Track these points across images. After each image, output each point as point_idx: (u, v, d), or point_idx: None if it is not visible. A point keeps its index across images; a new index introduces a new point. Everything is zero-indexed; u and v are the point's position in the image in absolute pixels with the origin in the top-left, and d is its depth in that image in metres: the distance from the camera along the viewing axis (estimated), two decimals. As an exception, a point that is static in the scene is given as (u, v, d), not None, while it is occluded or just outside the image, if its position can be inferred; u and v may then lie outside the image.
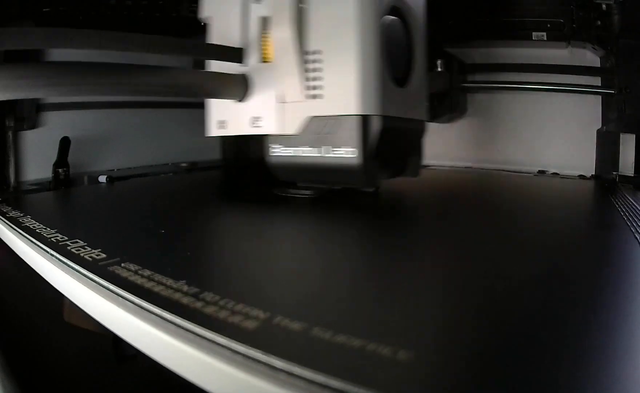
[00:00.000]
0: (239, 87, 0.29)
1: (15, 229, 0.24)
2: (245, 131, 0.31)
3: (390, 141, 0.29)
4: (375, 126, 0.27)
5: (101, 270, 0.17)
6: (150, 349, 0.13)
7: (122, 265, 0.18)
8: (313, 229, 0.26)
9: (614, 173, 0.49)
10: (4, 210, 0.30)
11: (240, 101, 0.30)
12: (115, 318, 0.15)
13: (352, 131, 0.27)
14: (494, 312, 0.15)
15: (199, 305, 0.14)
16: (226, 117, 0.32)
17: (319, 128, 0.28)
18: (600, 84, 0.56)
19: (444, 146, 0.68)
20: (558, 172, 0.57)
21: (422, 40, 0.33)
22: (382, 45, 0.27)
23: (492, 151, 0.64)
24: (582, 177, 0.54)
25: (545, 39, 0.57)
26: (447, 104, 0.59)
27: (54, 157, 0.42)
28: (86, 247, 0.20)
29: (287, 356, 0.11)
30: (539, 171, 0.58)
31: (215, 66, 0.31)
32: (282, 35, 0.27)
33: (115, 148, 0.55)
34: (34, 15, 0.45)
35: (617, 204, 0.34)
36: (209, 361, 0.11)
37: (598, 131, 0.57)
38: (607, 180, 0.50)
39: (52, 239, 0.22)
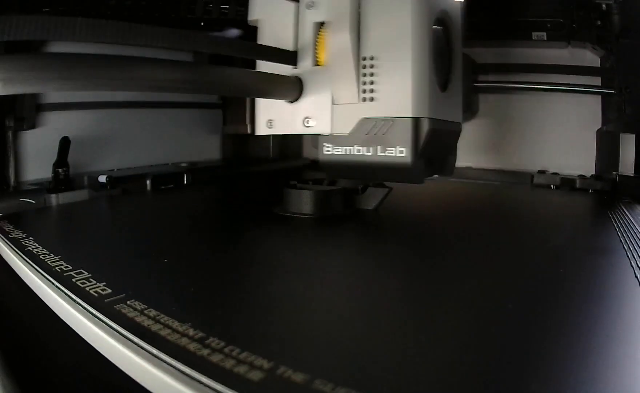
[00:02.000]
0: (293, 89, 0.31)
1: (18, 254, 0.25)
2: (295, 131, 0.32)
3: (435, 141, 0.30)
4: (425, 127, 0.29)
5: (108, 309, 0.17)
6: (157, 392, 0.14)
7: (128, 302, 0.18)
8: (316, 257, 0.27)
9: (614, 172, 0.49)
10: (6, 229, 0.30)
11: (291, 101, 0.32)
12: (122, 358, 0.15)
13: (405, 132, 0.28)
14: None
15: (205, 352, 0.14)
16: (275, 117, 0.33)
17: (370, 129, 0.29)
18: (600, 84, 0.56)
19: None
20: (558, 172, 0.57)
21: (460, 49, 0.35)
22: (432, 53, 0.29)
23: (492, 151, 0.64)
24: (582, 177, 0.54)
25: (545, 39, 0.57)
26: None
27: (54, 157, 0.42)
28: (91, 279, 0.20)
29: None
30: (539, 171, 0.58)
31: (264, 66, 0.32)
32: (339, 41, 0.29)
33: (115, 148, 0.55)
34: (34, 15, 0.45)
35: (615, 223, 0.34)
36: None
37: (598, 131, 0.57)
38: (605, 192, 0.50)
39: (56, 268, 0.22)
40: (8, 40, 0.19)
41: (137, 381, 0.14)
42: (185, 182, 0.52)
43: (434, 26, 0.30)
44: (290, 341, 0.16)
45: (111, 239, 0.30)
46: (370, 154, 0.29)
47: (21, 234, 0.29)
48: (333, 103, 0.30)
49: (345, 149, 0.30)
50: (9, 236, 0.29)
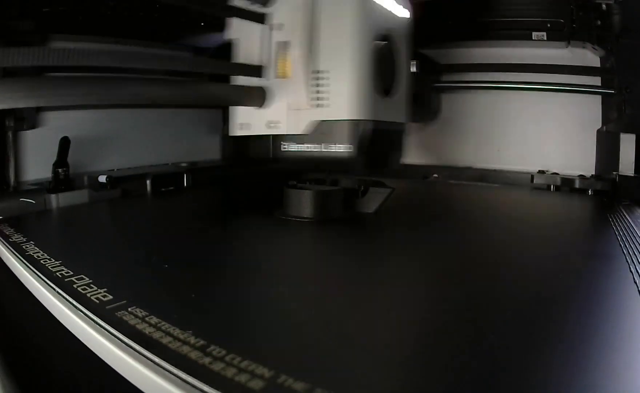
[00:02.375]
0: (259, 97, 0.36)
1: (19, 259, 0.25)
2: (263, 131, 0.37)
3: (377, 139, 0.35)
4: (365, 127, 0.34)
5: (109, 316, 0.17)
6: None
7: (129, 309, 0.18)
8: (318, 261, 0.27)
9: (614, 172, 0.49)
10: (7, 233, 0.30)
11: (259, 107, 0.37)
12: (124, 366, 0.15)
13: (346, 131, 0.34)
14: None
15: (206, 360, 0.14)
16: (247, 120, 0.38)
17: (319, 129, 0.35)
18: (600, 84, 0.56)
19: (444, 146, 0.68)
20: (558, 172, 0.57)
21: (405, 59, 0.40)
22: (372, 66, 0.35)
23: (493, 151, 0.64)
24: (582, 177, 0.54)
25: (545, 39, 0.57)
26: (419, 105, 0.62)
27: (54, 157, 0.42)
28: (92, 285, 0.20)
29: None
30: (539, 171, 0.58)
31: (237, 79, 0.38)
32: (296, 56, 0.34)
33: (115, 148, 0.55)
34: (34, 15, 0.45)
35: (615, 227, 0.34)
36: None
37: (598, 131, 0.57)
38: (605, 193, 0.50)
39: (57, 273, 0.22)
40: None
41: (139, 388, 0.14)
42: (185, 182, 0.52)
43: (379, 41, 0.36)
44: (291, 350, 0.16)
45: (111, 244, 0.30)
46: (319, 149, 0.35)
47: (21, 238, 0.29)
48: (290, 108, 0.36)
49: (300, 146, 0.36)
50: (10, 240, 0.29)
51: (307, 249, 0.31)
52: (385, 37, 0.37)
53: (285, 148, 0.37)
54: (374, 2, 0.35)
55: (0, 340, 0.23)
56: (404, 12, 0.39)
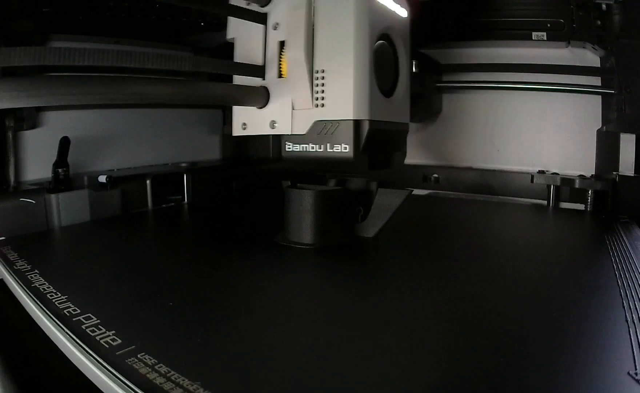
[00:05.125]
0: (261, 97, 0.36)
1: (27, 291, 0.25)
2: (264, 131, 0.37)
3: (377, 139, 0.35)
4: (365, 128, 0.34)
5: (120, 363, 0.18)
6: None
7: (139, 356, 0.18)
8: (323, 296, 0.27)
9: (614, 172, 0.49)
10: (10, 258, 0.30)
11: (260, 108, 0.37)
12: None
13: (348, 131, 0.34)
14: None
15: None
16: (248, 121, 0.38)
17: (321, 129, 0.35)
18: (600, 84, 0.56)
19: (444, 146, 0.68)
20: (558, 172, 0.57)
21: (406, 59, 0.39)
22: (373, 66, 0.34)
23: (493, 151, 0.64)
24: (582, 177, 0.54)
25: (545, 39, 0.57)
26: (421, 104, 0.62)
27: (54, 157, 0.42)
28: (100, 326, 0.21)
29: None
30: (539, 171, 0.58)
31: (238, 79, 0.38)
32: (297, 57, 0.34)
33: (115, 148, 0.55)
34: (34, 15, 0.45)
35: (611, 251, 0.33)
36: None
37: (598, 131, 0.57)
38: (604, 211, 0.49)
39: (65, 311, 0.22)
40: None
41: None
42: (185, 183, 0.52)
43: (380, 41, 0.36)
44: None
45: (114, 272, 0.30)
46: (322, 150, 0.35)
47: (26, 265, 0.29)
48: (293, 108, 0.35)
49: (302, 146, 0.36)
50: (14, 267, 0.29)
51: (309, 287, 0.29)
52: (385, 36, 0.37)
53: (289, 149, 0.36)
54: (375, 0, 0.35)
55: (4, 345, 0.23)
56: (402, 11, 0.39)
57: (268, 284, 0.29)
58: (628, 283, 0.27)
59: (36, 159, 0.47)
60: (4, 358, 0.22)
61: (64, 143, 0.43)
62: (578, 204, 0.55)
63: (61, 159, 0.42)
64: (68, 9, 0.47)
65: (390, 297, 0.27)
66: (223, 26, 0.40)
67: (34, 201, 0.39)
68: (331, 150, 0.34)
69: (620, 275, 0.28)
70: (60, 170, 0.42)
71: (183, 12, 0.55)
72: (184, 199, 0.52)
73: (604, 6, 0.52)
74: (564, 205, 0.57)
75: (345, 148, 0.34)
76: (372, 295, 0.27)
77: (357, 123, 0.34)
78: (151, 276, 0.30)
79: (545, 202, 0.57)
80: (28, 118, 0.46)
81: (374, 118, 0.34)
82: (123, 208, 0.46)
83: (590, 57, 0.57)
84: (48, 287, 0.25)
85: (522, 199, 0.60)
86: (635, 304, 0.23)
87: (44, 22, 0.45)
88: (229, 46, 0.39)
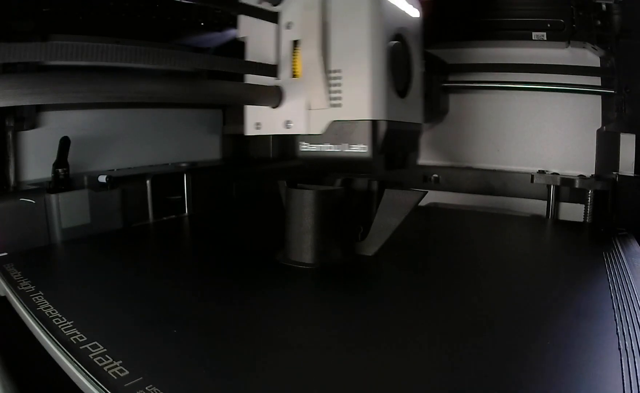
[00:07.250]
0: (275, 97, 0.36)
1: (32, 315, 0.25)
2: (278, 131, 0.37)
3: (393, 139, 0.35)
4: (382, 128, 0.34)
5: None
6: None
7: (147, 388, 0.18)
8: (326, 323, 0.27)
9: (614, 172, 0.49)
10: (14, 278, 0.30)
11: (274, 107, 0.36)
12: None
13: (365, 131, 0.34)
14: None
15: None
16: (261, 120, 0.38)
17: (338, 129, 0.34)
18: (600, 84, 0.56)
19: (444, 146, 0.68)
20: (558, 172, 0.57)
21: (418, 59, 0.39)
22: (388, 65, 0.34)
23: (493, 151, 0.64)
24: (582, 177, 0.54)
25: (545, 39, 0.57)
26: (428, 104, 0.62)
27: (54, 157, 0.42)
28: (107, 356, 0.21)
29: None
30: (539, 171, 0.58)
31: (250, 78, 0.37)
32: (311, 57, 0.34)
33: (115, 148, 0.55)
34: (34, 15, 0.45)
35: (608, 271, 0.33)
36: None
37: (598, 131, 0.57)
38: (604, 224, 0.49)
39: (72, 339, 0.22)
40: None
41: None
42: (185, 183, 0.52)
43: (393, 41, 0.35)
44: None
45: (119, 294, 0.30)
46: (338, 150, 0.35)
47: (30, 286, 0.29)
48: (308, 108, 0.35)
49: (319, 146, 0.35)
50: (18, 287, 0.29)
51: (313, 311, 0.29)
52: (398, 35, 0.37)
53: (305, 148, 0.36)
54: (389, 0, 0.35)
55: (4, 346, 0.23)
56: (415, 11, 0.39)
57: (272, 312, 0.28)
58: (623, 305, 0.26)
59: (36, 159, 0.47)
60: (4, 359, 0.22)
61: (64, 143, 0.43)
62: (578, 204, 0.55)
63: (61, 159, 0.42)
64: (68, 9, 0.47)
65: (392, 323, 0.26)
66: (223, 26, 0.40)
67: (34, 201, 0.39)
68: (349, 150, 0.34)
69: (616, 297, 0.27)
70: (60, 170, 0.42)
71: (183, 11, 0.55)
72: (184, 200, 0.52)
73: (604, 6, 0.52)
74: (564, 205, 0.57)
75: (364, 148, 0.34)
76: (375, 322, 0.27)
77: (374, 123, 0.33)
78: (155, 296, 0.29)
79: (545, 202, 0.57)
80: (28, 118, 0.46)
81: (391, 118, 0.34)
82: (123, 208, 0.46)
83: (590, 57, 0.57)
84: (53, 311, 0.25)
85: (522, 199, 0.60)
86: (629, 330, 0.23)
87: (44, 22, 0.45)
88: (229, 46, 0.39)
